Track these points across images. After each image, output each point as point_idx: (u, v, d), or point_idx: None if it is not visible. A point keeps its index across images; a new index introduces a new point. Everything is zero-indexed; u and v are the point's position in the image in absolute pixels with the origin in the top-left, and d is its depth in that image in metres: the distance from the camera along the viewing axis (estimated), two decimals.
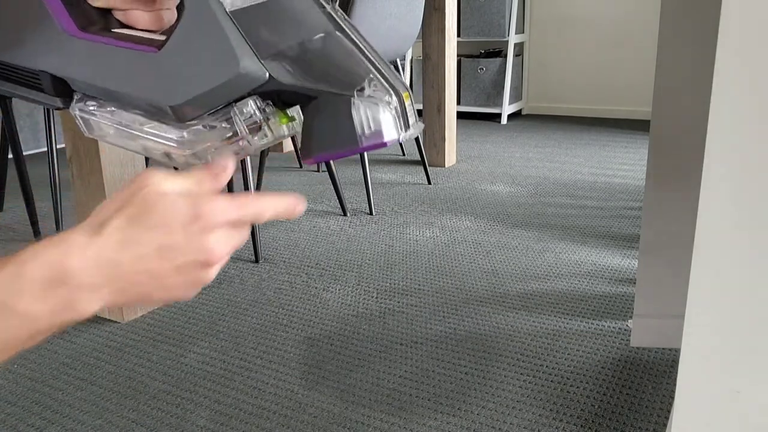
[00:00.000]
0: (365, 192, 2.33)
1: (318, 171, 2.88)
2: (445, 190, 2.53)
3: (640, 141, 3.34)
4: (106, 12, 0.48)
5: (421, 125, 0.48)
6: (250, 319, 1.50)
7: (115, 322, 1.50)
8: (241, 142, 0.47)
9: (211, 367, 1.30)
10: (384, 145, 0.45)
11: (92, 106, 0.48)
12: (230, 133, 0.46)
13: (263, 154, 2.44)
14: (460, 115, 4.25)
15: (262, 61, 0.43)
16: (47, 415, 1.16)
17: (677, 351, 1.31)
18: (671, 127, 1.18)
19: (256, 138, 0.46)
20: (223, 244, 0.44)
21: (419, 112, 2.90)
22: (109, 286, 0.42)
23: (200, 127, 0.46)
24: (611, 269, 1.73)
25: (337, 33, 0.44)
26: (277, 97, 0.46)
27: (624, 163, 2.89)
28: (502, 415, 1.12)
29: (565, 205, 2.31)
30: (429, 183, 2.63)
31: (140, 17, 0.49)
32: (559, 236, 1.98)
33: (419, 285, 1.66)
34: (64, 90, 0.48)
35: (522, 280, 1.67)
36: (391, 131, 0.45)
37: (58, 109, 0.48)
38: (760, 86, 0.53)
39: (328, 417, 1.13)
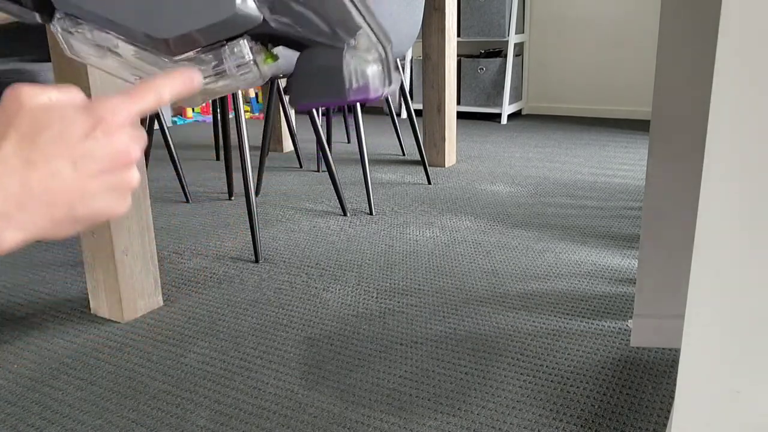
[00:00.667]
0: (365, 192, 2.33)
1: (318, 171, 2.88)
2: (445, 190, 2.53)
3: (640, 141, 3.34)
4: None
5: (399, 76, 0.48)
6: (250, 319, 1.50)
7: (115, 322, 1.50)
8: (227, 80, 0.47)
9: (211, 367, 1.30)
10: (368, 99, 0.46)
11: (75, 25, 0.47)
12: (217, 69, 0.46)
13: (263, 154, 2.44)
14: (460, 115, 4.25)
15: (258, 3, 0.43)
16: (47, 415, 1.16)
17: (677, 351, 1.31)
18: (671, 128, 1.18)
19: (241, 75, 0.46)
20: (131, 138, 0.43)
21: (419, 112, 2.89)
22: (25, 212, 0.40)
23: (188, 59, 0.46)
24: (611, 269, 1.72)
25: None
26: (267, 39, 0.47)
27: (624, 163, 2.89)
28: (502, 415, 1.12)
29: (565, 205, 2.31)
30: (429, 183, 2.63)
31: None
32: (559, 236, 1.98)
33: (419, 285, 1.66)
34: (43, 4, 0.47)
35: (522, 280, 1.67)
36: (377, 86, 0.46)
37: (36, 24, 0.48)
38: (761, 86, 0.52)
39: (328, 417, 1.13)
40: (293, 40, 0.45)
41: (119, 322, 1.50)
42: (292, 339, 1.40)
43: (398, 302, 1.56)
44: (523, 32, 4.08)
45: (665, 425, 1.09)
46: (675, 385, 0.62)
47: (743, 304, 0.58)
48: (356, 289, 1.64)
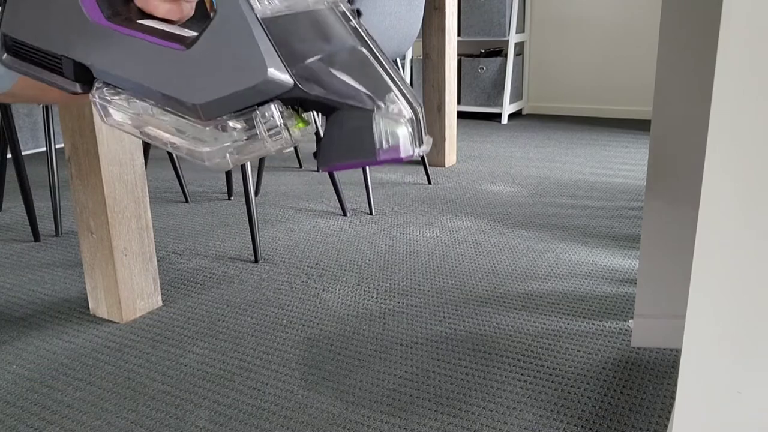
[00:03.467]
0: (365, 192, 2.33)
1: (318, 171, 2.87)
2: (446, 190, 2.52)
3: (640, 141, 3.33)
4: (129, 0, 0.49)
5: (431, 139, 0.49)
6: (250, 319, 1.50)
7: (115, 322, 1.50)
8: (257, 144, 0.47)
9: (211, 367, 1.30)
10: (400, 160, 0.47)
11: (111, 93, 0.48)
12: (249, 135, 0.47)
13: None
14: (461, 115, 4.25)
15: (289, 69, 0.44)
16: (46, 416, 1.15)
17: (678, 351, 1.31)
18: (672, 127, 1.18)
19: (273, 141, 0.47)
20: None
21: None
22: None
23: (219, 125, 0.47)
24: (612, 269, 1.72)
25: (362, 48, 0.46)
26: (298, 104, 0.48)
27: (625, 163, 2.89)
28: (503, 415, 1.12)
29: (565, 205, 2.30)
30: (429, 183, 2.62)
31: (159, 6, 0.49)
32: (559, 236, 1.98)
33: (419, 285, 1.66)
34: (84, 76, 0.48)
35: (522, 280, 1.67)
36: (407, 146, 0.47)
37: (76, 93, 0.49)
38: (762, 85, 0.52)
39: (328, 418, 1.13)
40: (324, 105, 0.46)
41: (118, 323, 1.49)
42: (291, 339, 1.40)
43: (398, 302, 1.56)
44: (523, 32, 4.08)
45: (666, 426, 1.08)
46: (676, 385, 0.61)
47: (745, 304, 0.57)
48: (356, 290, 1.64)
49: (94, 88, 0.48)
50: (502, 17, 3.84)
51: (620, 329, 1.40)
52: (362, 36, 0.47)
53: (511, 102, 4.00)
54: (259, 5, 0.44)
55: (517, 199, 2.38)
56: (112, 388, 1.24)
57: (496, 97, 3.97)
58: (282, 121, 0.46)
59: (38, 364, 1.33)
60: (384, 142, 0.46)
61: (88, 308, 1.56)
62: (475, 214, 2.22)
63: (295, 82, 0.44)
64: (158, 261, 1.87)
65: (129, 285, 1.49)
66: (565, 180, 2.64)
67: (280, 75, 0.44)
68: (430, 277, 1.71)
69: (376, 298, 1.59)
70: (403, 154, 0.46)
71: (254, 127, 0.46)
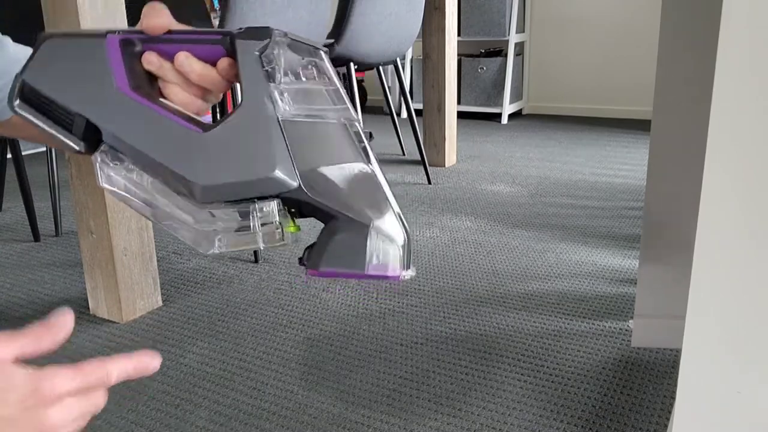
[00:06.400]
0: None
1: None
2: (446, 190, 2.52)
3: (640, 141, 3.33)
4: (153, 78, 0.50)
5: (414, 270, 0.52)
6: (250, 319, 1.50)
7: (115, 322, 1.50)
8: (248, 237, 0.49)
9: (211, 367, 1.30)
10: (386, 278, 0.49)
11: (114, 159, 0.49)
12: (240, 226, 0.48)
13: None
14: (461, 115, 4.25)
15: (297, 172, 0.47)
16: None
17: (678, 351, 1.31)
18: (672, 127, 1.18)
19: (264, 235, 0.49)
20: (66, 413, 0.44)
21: (419, 112, 2.90)
22: None
23: (215, 210, 0.48)
24: (612, 269, 1.72)
25: (367, 166, 0.49)
26: (296, 207, 0.49)
27: (625, 163, 2.89)
28: (503, 415, 1.12)
29: (565, 205, 2.30)
30: (429, 183, 2.62)
31: (177, 94, 0.50)
32: (559, 236, 1.98)
33: (419, 285, 1.66)
34: (92, 136, 0.49)
35: (522, 280, 1.67)
36: (396, 267, 0.49)
37: (75, 152, 0.50)
38: (762, 85, 0.52)
39: (328, 418, 1.13)
40: (322, 211, 0.48)
41: (118, 323, 1.49)
42: (291, 339, 1.40)
43: (398, 302, 1.56)
44: (523, 31, 4.08)
45: (666, 426, 1.08)
46: (676, 385, 0.61)
47: (744, 304, 0.57)
48: (356, 290, 1.64)
49: (99, 150, 0.49)
50: (502, 17, 3.84)
51: (620, 329, 1.40)
52: (369, 156, 0.49)
53: (511, 102, 4.00)
54: (281, 105, 0.46)
55: (517, 199, 2.38)
56: (112, 387, 1.24)
57: (496, 97, 3.97)
58: (278, 219, 0.48)
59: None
60: (375, 258, 0.48)
61: (88, 308, 1.56)
62: (475, 214, 2.22)
63: (300, 185, 0.46)
64: (158, 261, 1.87)
65: (129, 285, 1.49)
66: (565, 180, 2.64)
67: (286, 175, 0.46)
68: (430, 277, 1.71)
69: (376, 298, 1.59)
70: (390, 273, 0.48)
71: (247, 218, 0.48)
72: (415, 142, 2.62)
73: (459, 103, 4.06)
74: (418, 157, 2.64)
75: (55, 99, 0.48)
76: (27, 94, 0.49)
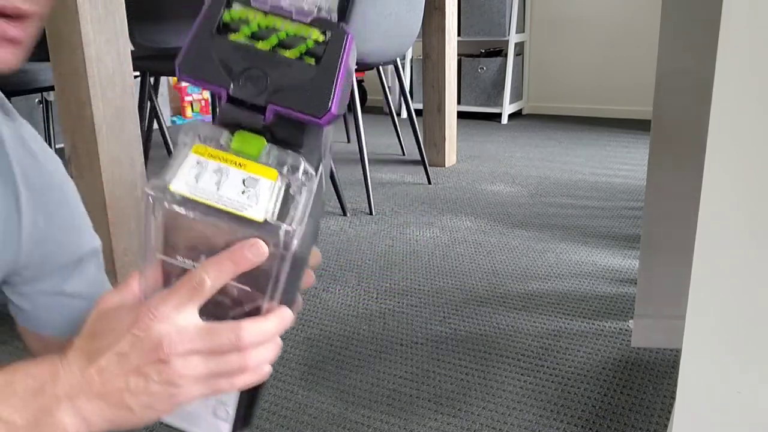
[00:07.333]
0: (365, 192, 2.33)
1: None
2: (446, 190, 2.52)
3: (640, 141, 3.33)
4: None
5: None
6: None
7: None
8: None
9: None
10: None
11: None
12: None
13: None
14: (461, 115, 4.23)
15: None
16: None
17: (678, 351, 1.31)
18: (672, 127, 1.18)
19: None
20: (174, 334, 0.46)
21: (419, 112, 2.90)
22: (82, 399, 0.45)
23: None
24: (612, 269, 1.72)
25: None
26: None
27: (625, 163, 2.89)
28: (503, 415, 1.12)
29: (565, 205, 2.30)
30: (429, 183, 2.62)
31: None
32: (559, 236, 1.98)
33: (419, 285, 1.66)
34: None
35: (522, 280, 1.67)
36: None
37: None
38: (762, 85, 0.52)
39: (328, 418, 1.13)
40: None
41: None
42: (291, 339, 1.40)
43: (398, 303, 1.56)
44: (523, 32, 4.08)
45: (666, 426, 1.08)
46: (676, 385, 0.61)
47: (744, 304, 0.57)
48: (356, 290, 1.64)
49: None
50: (502, 17, 3.84)
51: (620, 329, 1.40)
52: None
53: (511, 102, 4.00)
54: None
55: (517, 199, 2.38)
56: None
57: (496, 97, 3.97)
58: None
59: None
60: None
61: None
62: (475, 214, 2.22)
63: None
64: None
65: None
66: (565, 180, 2.64)
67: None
68: (430, 277, 1.71)
69: (376, 298, 1.59)
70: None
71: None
72: (415, 142, 2.62)
73: (459, 103, 4.06)
74: (418, 157, 2.64)
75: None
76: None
